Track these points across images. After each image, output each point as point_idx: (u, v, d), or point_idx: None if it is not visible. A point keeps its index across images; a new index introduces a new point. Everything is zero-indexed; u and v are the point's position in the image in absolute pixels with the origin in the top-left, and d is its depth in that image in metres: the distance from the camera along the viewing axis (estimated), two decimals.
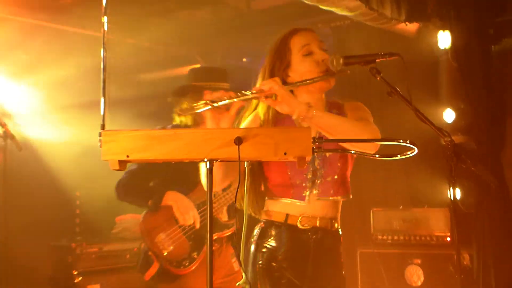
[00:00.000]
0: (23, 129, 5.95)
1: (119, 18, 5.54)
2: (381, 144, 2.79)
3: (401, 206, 5.57)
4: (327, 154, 2.97)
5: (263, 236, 3.03)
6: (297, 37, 3.04)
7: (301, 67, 2.98)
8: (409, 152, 2.48)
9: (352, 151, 2.48)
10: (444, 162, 2.68)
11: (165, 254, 4.23)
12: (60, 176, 6.45)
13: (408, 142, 2.40)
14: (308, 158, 2.19)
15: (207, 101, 2.63)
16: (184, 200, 4.24)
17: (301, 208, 2.99)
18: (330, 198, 3.02)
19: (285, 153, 2.07)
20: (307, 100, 2.88)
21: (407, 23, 5.03)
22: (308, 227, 2.99)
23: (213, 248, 4.09)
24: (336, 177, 3.02)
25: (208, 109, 2.66)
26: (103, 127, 2.31)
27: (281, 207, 3.02)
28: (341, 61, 2.78)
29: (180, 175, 4.23)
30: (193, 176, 4.32)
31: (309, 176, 2.99)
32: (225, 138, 2.11)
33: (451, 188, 2.65)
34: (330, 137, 2.81)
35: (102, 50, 2.36)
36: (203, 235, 4.26)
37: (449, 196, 2.67)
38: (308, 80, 2.91)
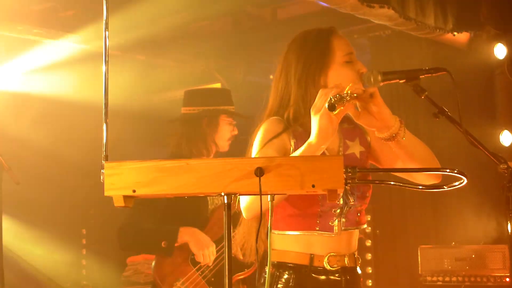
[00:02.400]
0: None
1: (126, 32, 5.59)
2: None
3: (453, 243, 5.51)
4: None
5: (274, 283, 2.78)
6: (341, 39, 2.86)
7: (341, 76, 2.77)
8: (456, 183, 2.40)
9: (392, 183, 2.42)
10: (501, 192, 2.65)
11: None
12: (63, 211, 6.47)
13: (456, 171, 2.34)
14: (340, 191, 2.15)
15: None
16: (201, 235, 4.20)
17: (328, 243, 2.78)
18: (355, 228, 2.85)
19: (313, 186, 2.03)
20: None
21: (454, 33, 5.00)
22: (338, 267, 2.80)
23: None
24: (363, 206, 2.87)
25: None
26: (106, 158, 2.24)
27: (303, 245, 2.79)
28: (379, 77, 2.72)
29: (190, 211, 4.21)
30: (204, 211, 4.32)
31: (341, 201, 2.79)
32: (244, 169, 2.06)
33: (509, 222, 2.61)
34: (409, 162, 2.72)
35: (103, 69, 2.31)
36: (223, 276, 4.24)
37: (508, 231, 2.63)
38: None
